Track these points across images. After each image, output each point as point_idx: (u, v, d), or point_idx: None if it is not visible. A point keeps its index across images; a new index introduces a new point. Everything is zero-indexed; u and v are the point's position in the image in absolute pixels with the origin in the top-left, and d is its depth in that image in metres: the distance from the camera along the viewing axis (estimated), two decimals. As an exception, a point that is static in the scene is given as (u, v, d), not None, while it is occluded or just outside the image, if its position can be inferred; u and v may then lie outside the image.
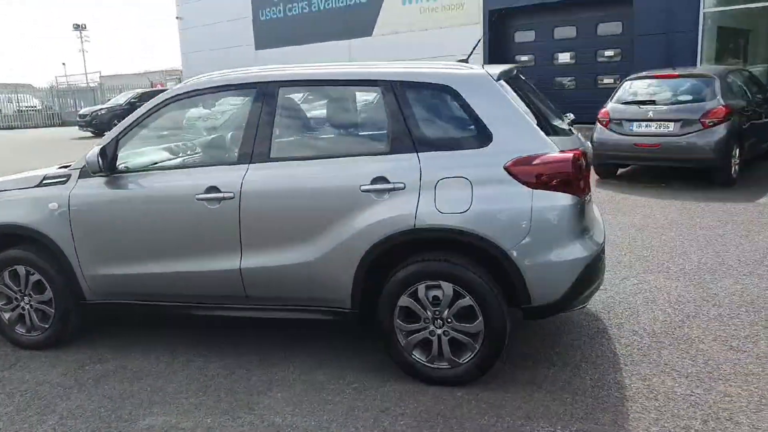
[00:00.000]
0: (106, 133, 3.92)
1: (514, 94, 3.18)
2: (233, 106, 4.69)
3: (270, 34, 24.43)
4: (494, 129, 2.95)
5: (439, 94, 3.10)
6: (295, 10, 23.29)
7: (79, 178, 3.53)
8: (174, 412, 2.99)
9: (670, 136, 7.84)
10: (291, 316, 3.33)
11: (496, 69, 3.18)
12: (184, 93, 3.47)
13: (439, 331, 3.05)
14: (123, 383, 3.31)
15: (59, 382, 3.36)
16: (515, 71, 3.48)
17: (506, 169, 2.88)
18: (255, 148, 3.24)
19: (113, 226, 3.49)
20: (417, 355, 3.11)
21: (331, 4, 22.09)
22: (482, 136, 2.97)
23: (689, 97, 8.03)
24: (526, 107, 3.16)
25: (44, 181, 3.63)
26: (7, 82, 38.82)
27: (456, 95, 3.03)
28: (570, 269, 2.90)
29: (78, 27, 53.67)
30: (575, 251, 2.91)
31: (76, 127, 24.07)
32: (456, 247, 2.98)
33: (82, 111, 25.47)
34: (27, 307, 3.72)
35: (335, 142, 3.47)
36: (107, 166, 3.40)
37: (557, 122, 3.45)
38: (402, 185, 2.98)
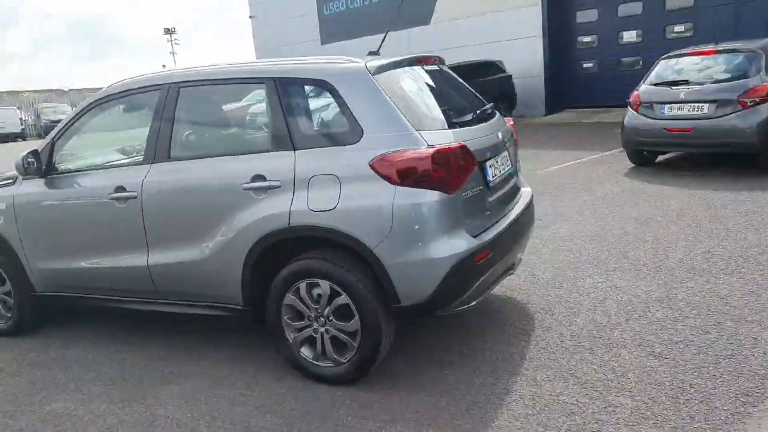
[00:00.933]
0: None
1: (402, 87, 3.11)
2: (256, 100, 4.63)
3: (334, 29, 24.85)
4: (365, 125, 2.91)
5: (317, 90, 3.10)
6: (356, 3, 23.54)
7: (24, 179, 3.86)
8: (78, 399, 3.23)
9: (704, 119, 7.19)
10: (192, 311, 3.46)
11: (378, 62, 3.12)
12: (101, 98, 3.69)
13: (322, 330, 3.07)
14: (52, 370, 3.60)
15: (2, 367, 3.71)
16: (414, 62, 3.39)
17: (371, 165, 2.84)
18: (157, 148, 3.40)
19: (48, 223, 3.79)
20: (305, 353, 3.14)
21: (393, -6, 22.03)
22: (354, 132, 2.93)
23: (727, 75, 7.32)
24: (413, 101, 3.09)
25: (-2, 183, 4.00)
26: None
27: (332, 90, 3.01)
28: (434, 269, 2.80)
29: (168, 31, 57.53)
30: (440, 250, 2.81)
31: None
32: (332, 245, 2.98)
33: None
34: (-7, 298, 4.14)
35: (225, 141, 3.55)
36: (39, 169, 3.69)
37: (466, 115, 3.35)
38: (278, 183, 3.01)
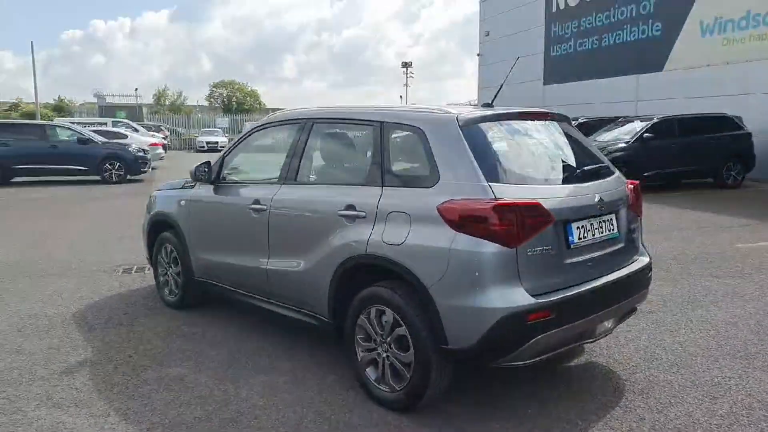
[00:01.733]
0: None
1: (493, 139, 3.22)
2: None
3: (558, 70, 24.59)
4: (443, 171, 3.10)
5: (410, 135, 3.36)
6: (585, 45, 23.02)
7: (200, 184, 4.78)
8: (192, 369, 3.90)
9: None
10: (292, 315, 3.93)
11: (472, 114, 3.27)
12: (260, 126, 4.45)
13: (384, 355, 3.29)
14: (187, 342, 4.38)
15: (157, 331, 4.61)
16: (517, 116, 3.46)
17: (438, 209, 3.00)
18: (288, 171, 3.99)
19: (206, 222, 4.64)
20: (369, 373, 3.40)
21: (621, 38, 21.22)
22: (433, 177, 3.13)
23: None
24: (500, 153, 3.19)
25: (184, 185, 5.00)
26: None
27: (422, 136, 3.25)
28: (481, 318, 2.84)
29: (405, 64, 62.35)
30: (489, 301, 2.84)
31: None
32: (399, 277, 3.20)
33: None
34: (168, 275, 5.16)
35: (335, 171, 3.97)
36: (208, 177, 4.56)
37: (564, 173, 3.36)
38: (364, 214, 3.35)
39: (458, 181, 3.03)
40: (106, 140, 17.47)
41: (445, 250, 2.93)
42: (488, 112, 3.38)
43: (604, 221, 3.37)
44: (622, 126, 14.59)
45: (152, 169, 18.85)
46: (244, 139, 4.59)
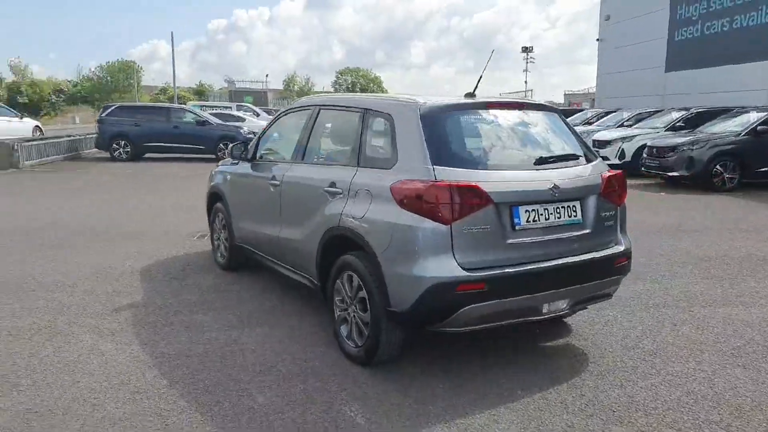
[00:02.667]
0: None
1: (451, 127, 3.55)
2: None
3: (681, 55, 23.04)
4: (401, 155, 3.50)
5: (383, 121, 3.76)
6: (714, 29, 21.37)
7: (241, 161, 5.51)
8: (215, 319, 4.63)
9: None
10: (296, 278, 4.52)
11: (434, 102, 3.61)
12: (285, 111, 5.07)
13: (352, 315, 3.78)
14: (219, 295, 5.13)
15: (204, 288, 5.42)
16: (485, 106, 3.77)
17: (390, 188, 3.41)
18: (298, 151, 4.56)
19: (242, 193, 5.36)
20: (342, 329, 3.90)
21: (757, 20, 19.40)
22: (393, 159, 3.54)
23: None
24: (452, 140, 3.52)
25: (231, 162, 5.76)
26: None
27: (391, 122, 3.66)
28: (414, 285, 3.21)
29: (526, 49, 60.77)
30: (422, 271, 3.20)
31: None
32: (362, 247, 3.65)
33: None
34: (219, 240, 5.97)
35: (331, 152, 4.45)
36: (245, 155, 5.27)
37: (522, 159, 3.66)
38: (341, 191, 3.83)
39: (410, 164, 3.42)
40: (221, 122, 19.22)
41: (391, 224, 3.35)
42: (452, 101, 3.70)
43: (562, 207, 3.57)
44: (735, 117, 13.58)
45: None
46: (275, 122, 5.23)
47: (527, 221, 3.44)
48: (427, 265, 3.22)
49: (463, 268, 3.24)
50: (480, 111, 3.78)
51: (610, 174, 3.88)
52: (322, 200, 4.02)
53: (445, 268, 3.22)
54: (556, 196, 3.54)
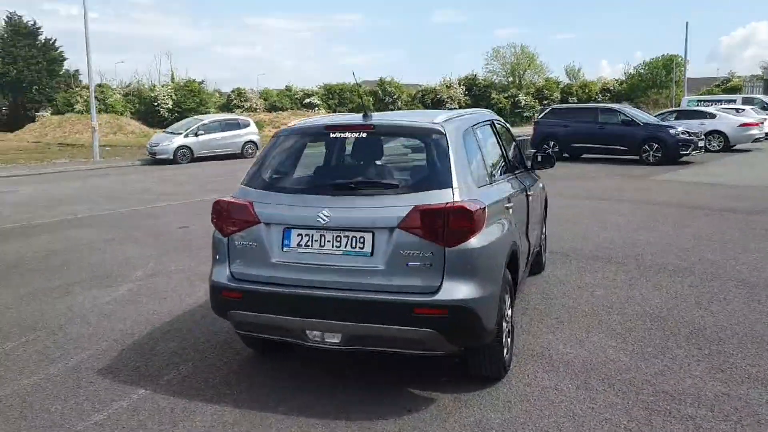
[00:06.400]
0: None
1: (281, 148, 4.01)
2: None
3: None
4: None
5: None
6: None
7: None
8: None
9: None
10: None
11: (292, 125, 4.05)
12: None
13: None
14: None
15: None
16: (318, 128, 3.93)
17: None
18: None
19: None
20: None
21: None
22: None
23: None
24: (274, 163, 3.92)
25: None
26: None
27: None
28: (209, 283, 3.81)
29: None
30: (212, 273, 3.78)
31: None
32: None
33: None
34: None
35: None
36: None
37: (310, 184, 3.92)
38: None
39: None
40: (651, 122, 18.10)
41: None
42: (303, 123, 3.93)
43: (345, 236, 3.41)
44: None
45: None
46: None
47: (298, 245, 3.49)
48: (215, 269, 3.78)
49: (233, 277, 3.65)
50: (315, 134, 3.85)
51: (426, 208, 3.31)
52: None
53: (221, 273, 3.71)
54: (329, 224, 3.41)
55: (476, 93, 52.63)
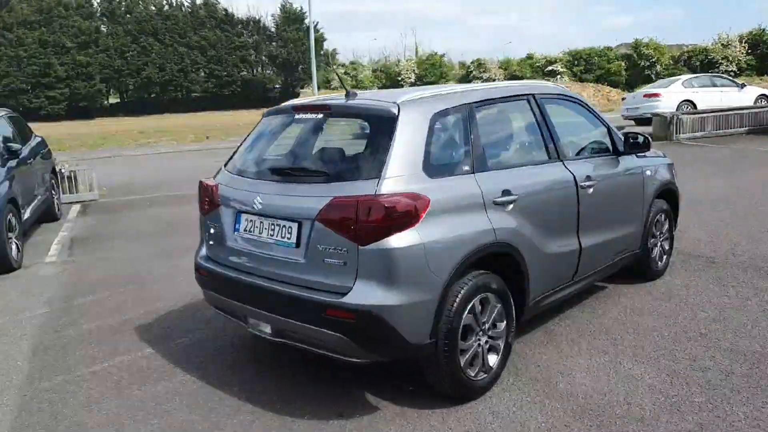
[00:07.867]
0: None
1: (258, 129, 4.07)
2: None
3: None
4: None
5: None
6: None
7: None
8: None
9: None
10: None
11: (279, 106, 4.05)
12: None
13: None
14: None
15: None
16: (291, 110, 3.85)
17: None
18: None
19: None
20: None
21: None
22: None
23: None
24: (248, 145, 4.04)
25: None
26: None
27: None
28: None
29: None
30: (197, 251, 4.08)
31: None
32: None
33: None
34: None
35: None
36: None
37: (265, 167, 3.80)
38: None
39: None
40: None
41: None
42: (288, 103, 3.97)
43: (277, 224, 3.38)
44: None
45: None
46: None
47: (245, 230, 3.57)
48: (199, 247, 4.07)
49: (207, 257, 3.90)
50: (286, 115, 3.80)
51: (338, 201, 3.11)
52: None
53: (199, 251, 4.00)
54: (261, 210, 3.42)
55: (764, 51, 43.64)
